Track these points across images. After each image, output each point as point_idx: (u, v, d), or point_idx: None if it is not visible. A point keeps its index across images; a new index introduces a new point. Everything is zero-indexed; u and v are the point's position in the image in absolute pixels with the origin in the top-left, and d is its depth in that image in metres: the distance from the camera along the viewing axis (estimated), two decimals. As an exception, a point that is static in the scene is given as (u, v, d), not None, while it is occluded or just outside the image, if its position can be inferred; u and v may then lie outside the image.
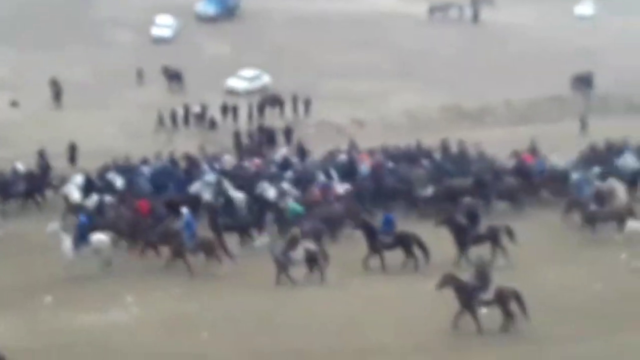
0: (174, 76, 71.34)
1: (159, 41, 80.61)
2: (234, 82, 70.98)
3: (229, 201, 39.04)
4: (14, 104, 67.06)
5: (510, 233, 33.44)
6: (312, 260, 31.87)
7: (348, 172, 44.06)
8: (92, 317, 28.55)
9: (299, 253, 31.89)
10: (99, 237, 33.07)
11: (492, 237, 33.26)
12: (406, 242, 33.29)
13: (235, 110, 64.20)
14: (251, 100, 65.81)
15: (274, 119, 64.13)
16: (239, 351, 25.86)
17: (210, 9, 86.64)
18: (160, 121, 62.36)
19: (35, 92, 67.96)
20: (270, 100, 66.27)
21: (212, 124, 63.01)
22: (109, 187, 41.96)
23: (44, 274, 33.01)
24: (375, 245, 33.36)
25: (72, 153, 52.52)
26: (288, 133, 60.20)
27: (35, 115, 64.03)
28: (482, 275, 26.80)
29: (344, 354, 25.65)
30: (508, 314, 26.56)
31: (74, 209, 38.91)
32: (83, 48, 76.97)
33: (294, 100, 65.54)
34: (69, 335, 27.00)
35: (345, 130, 62.74)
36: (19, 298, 30.55)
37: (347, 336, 26.65)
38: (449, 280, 26.78)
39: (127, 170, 44.47)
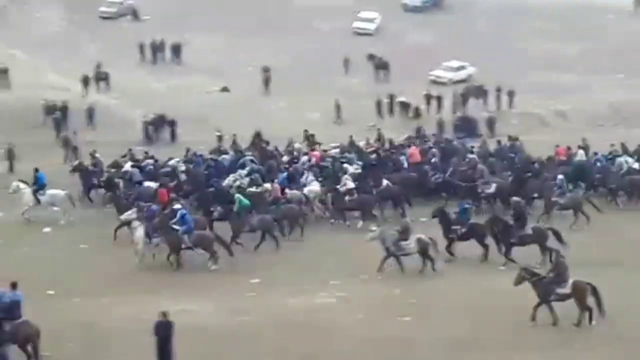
0: (380, 65, 72.31)
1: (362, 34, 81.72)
2: (440, 72, 71.51)
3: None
4: (225, 89, 69.54)
5: (557, 235, 33.13)
6: (424, 252, 32.15)
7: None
8: (298, 300, 29.36)
9: (411, 243, 32.25)
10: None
11: (539, 238, 33.13)
12: (480, 233, 33.50)
13: (439, 100, 64.60)
14: (455, 90, 66.01)
15: (477, 110, 64.21)
16: (440, 335, 26.26)
17: (417, 0, 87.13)
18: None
19: (243, 78, 70.44)
20: (474, 90, 66.32)
21: (417, 114, 63.51)
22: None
23: (250, 258, 34.40)
24: (450, 234, 33.88)
25: (256, 139, 53.47)
26: (491, 124, 60.30)
27: (244, 100, 66.24)
28: (560, 270, 26.82)
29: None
30: (584, 309, 26.40)
31: None
32: (288, 35, 78.88)
33: (498, 91, 65.37)
34: (277, 316, 27.77)
35: (548, 122, 62.38)
36: (227, 281, 31.85)
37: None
38: (527, 275, 26.94)
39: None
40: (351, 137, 50.56)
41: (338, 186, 40.18)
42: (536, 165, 44.33)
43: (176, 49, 75.13)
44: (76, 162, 45.21)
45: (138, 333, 24.82)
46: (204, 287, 30.73)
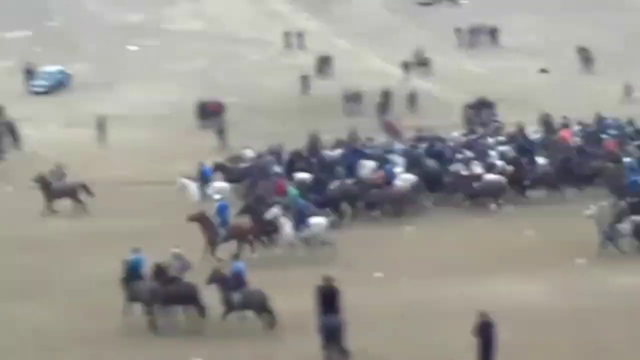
0: None
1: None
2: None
3: None
4: (543, 70, 69.48)
5: None
6: (638, 234, 30.89)
7: None
8: (626, 280, 28.77)
9: (626, 226, 31.15)
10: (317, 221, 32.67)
11: None
12: None
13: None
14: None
15: None
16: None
17: None
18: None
19: (562, 59, 70.10)
20: None
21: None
22: None
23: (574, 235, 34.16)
24: None
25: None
26: None
27: (563, 81, 65.98)
28: None
29: None
30: None
31: None
32: (608, 13, 77.51)
33: None
34: (601, 297, 27.37)
35: None
36: (552, 259, 31.51)
37: None
38: None
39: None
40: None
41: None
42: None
43: (494, 32, 75.74)
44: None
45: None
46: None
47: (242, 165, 42.49)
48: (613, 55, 68.83)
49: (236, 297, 25.46)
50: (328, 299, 23.13)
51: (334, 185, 38.23)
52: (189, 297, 25.86)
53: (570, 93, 61.95)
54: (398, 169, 39.77)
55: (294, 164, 41.64)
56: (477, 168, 39.34)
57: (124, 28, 74.41)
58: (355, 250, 32.58)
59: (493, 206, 38.04)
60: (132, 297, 26.33)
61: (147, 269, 26.51)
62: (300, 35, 73.23)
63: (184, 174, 40.60)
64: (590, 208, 32.06)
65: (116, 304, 26.47)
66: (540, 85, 65.25)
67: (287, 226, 32.28)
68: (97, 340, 25.17)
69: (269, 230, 33.02)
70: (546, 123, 50.11)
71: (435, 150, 42.48)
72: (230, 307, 25.46)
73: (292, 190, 36.19)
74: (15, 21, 74.61)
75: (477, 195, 38.53)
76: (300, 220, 32.49)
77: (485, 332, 21.40)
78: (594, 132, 46.54)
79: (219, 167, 42.01)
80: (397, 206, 37.60)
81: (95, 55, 69.76)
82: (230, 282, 25.62)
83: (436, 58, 69.42)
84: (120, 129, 55.85)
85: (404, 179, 38.63)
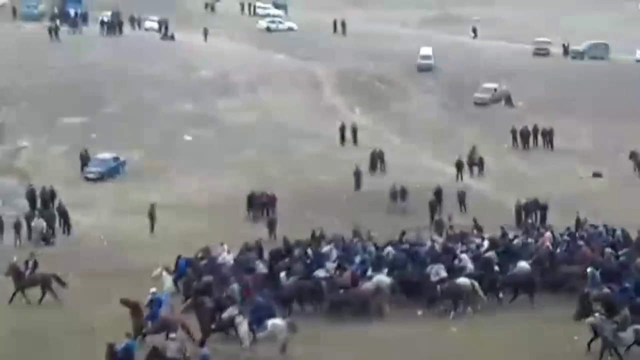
0: None
1: None
2: None
3: None
4: (597, 174, 68.93)
5: None
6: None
7: None
8: None
9: (629, 334, 30.64)
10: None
11: None
12: None
13: None
14: None
15: None
16: None
17: None
18: None
19: (615, 163, 69.59)
20: None
21: None
22: None
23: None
24: None
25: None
26: None
27: (616, 185, 65.40)
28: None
29: None
30: None
31: None
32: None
33: None
34: None
35: None
36: None
37: None
38: None
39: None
40: None
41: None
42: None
43: (547, 134, 75.49)
44: None
45: None
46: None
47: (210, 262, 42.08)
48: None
49: None
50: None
51: (289, 282, 38.66)
52: None
53: (624, 197, 61.27)
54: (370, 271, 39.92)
55: (275, 260, 41.91)
56: (442, 272, 39.22)
57: (179, 117, 75.12)
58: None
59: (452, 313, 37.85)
60: None
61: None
62: (354, 130, 73.40)
63: (164, 264, 40.39)
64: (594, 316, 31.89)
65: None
66: (593, 190, 64.63)
67: (243, 325, 32.11)
68: None
69: (223, 328, 33.32)
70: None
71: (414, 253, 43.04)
72: None
73: (234, 287, 36.40)
74: (72, 107, 75.63)
75: (440, 299, 38.42)
76: (256, 321, 32.28)
77: None
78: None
79: (188, 263, 41.74)
80: (362, 307, 37.60)
81: (150, 144, 70.32)
82: None
83: (490, 158, 69.20)
84: (171, 218, 56.01)
85: (379, 280, 38.66)
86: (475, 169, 68.47)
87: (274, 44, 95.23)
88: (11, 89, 79.36)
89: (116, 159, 67.70)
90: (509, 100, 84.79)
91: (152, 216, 55.46)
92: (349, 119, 75.90)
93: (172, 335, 30.30)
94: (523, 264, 40.65)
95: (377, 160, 67.76)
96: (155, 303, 33.55)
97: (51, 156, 69.12)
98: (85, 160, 66.98)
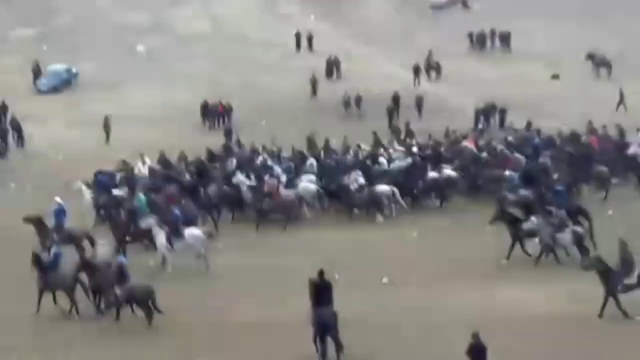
0: None
1: None
2: None
3: None
4: (555, 76, 68.82)
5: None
6: (579, 244, 30.72)
7: None
8: None
9: (566, 236, 30.96)
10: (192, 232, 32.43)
11: None
12: None
13: None
14: None
15: None
16: None
17: None
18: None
19: (574, 65, 69.37)
20: None
21: None
22: None
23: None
24: None
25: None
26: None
27: (574, 87, 65.27)
28: (626, 260, 25.76)
29: None
30: None
31: None
32: (624, 18, 76.72)
33: None
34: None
35: None
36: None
37: None
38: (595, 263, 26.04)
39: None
40: None
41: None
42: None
43: (505, 37, 75.09)
44: None
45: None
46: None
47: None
48: (630, 62, 67.89)
49: (119, 292, 26.28)
50: (321, 292, 23.61)
51: (211, 189, 38.83)
52: None
53: (583, 99, 61.19)
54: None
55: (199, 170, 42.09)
56: (360, 179, 39.63)
57: (132, 28, 73.75)
58: (356, 255, 32.20)
59: (379, 217, 38.21)
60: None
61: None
62: (310, 37, 72.54)
63: (84, 179, 40.07)
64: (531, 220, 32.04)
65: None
66: (552, 92, 64.50)
67: (160, 236, 32.00)
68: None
69: (140, 238, 33.69)
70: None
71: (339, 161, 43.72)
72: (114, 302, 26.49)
73: (140, 198, 36.32)
74: (22, 18, 74.12)
75: (360, 206, 39.03)
76: (174, 231, 32.19)
77: (475, 355, 20.96)
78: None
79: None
80: (285, 214, 38.15)
81: (102, 55, 69.13)
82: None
83: (447, 62, 68.71)
84: (126, 129, 55.36)
85: (304, 188, 39.60)
86: (433, 73, 68.09)
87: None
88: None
89: (68, 70, 66.62)
90: (465, 3, 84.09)
91: (107, 128, 54.82)
92: (304, 25, 74.90)
93: (101, 241, 31.52)
94: (447, 170, 40.96)
95: (333, 66, 67.08)
96: (58, 214, 33.59)
97: (2, 69, 67.77)
98: (37, 73, 65.85)
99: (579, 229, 31.44)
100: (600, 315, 25.70)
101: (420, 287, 29.10)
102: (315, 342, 23.42)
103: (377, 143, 47.61)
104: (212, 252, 32.51)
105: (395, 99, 59.35)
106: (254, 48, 71.11)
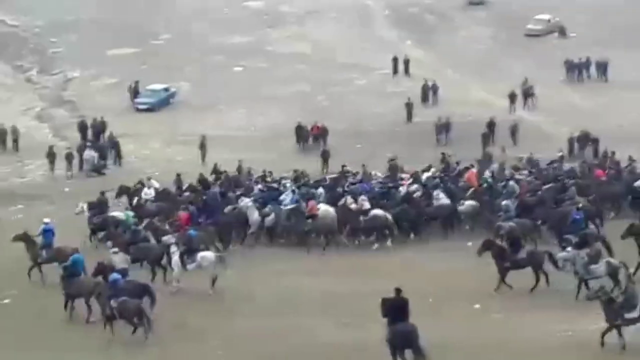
0: None
1: None
2: None
3: None
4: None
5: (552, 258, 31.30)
6: (614, 275, 29.81)
7: None
8: None
9: (600, 267, 30.25)
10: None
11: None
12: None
13: None
14: None
15: None
16: None
17: None
18: None
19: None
20: None
21: None
22: None
23: None
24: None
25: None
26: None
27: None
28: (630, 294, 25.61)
29: None
30: None
31: None
32: None
33: None
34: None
35: None
36: None
37: None
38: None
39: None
40: None
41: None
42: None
43: (602, 66, 74.24)
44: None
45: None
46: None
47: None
48: None
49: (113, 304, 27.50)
50: (398, 310, 23.92)
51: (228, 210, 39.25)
52: None
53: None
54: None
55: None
56: (365, 203, 39.31)
57: (229, 49, 74.73)
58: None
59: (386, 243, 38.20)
60: None
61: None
62: (406, 62, 72.71)
63: (87, 201, 40.37)
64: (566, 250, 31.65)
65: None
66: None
67: (175, 256, 32.49)
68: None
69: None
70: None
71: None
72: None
73: (129, 215, 37.63)
74: (121, 38, 75.56)
75: (362, 230, 38.89)
76: (187, 252, 32.78)
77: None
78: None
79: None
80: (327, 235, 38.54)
81: (199, 75, 70.10)
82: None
83: (542, 90, 68.19)
84: (221, 150, 55.96)
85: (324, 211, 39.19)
86: (529, 101, 67.62)
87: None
88: (61, 21, 79.48)
89: (166, 90, 67.68)
90: (562, 32, 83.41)
91: (202, 147, 55.48)
92: (400, 51, 75.05)
93: (114, 249, 32.67)
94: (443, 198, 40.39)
95: (428, 92, 67.15)
96: (48, 233, 34.42)
97: (101, 87, 69.18)
98: (135, 91, 67.05)
99: (613, 260, 30.89)
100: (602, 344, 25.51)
101: (508, 312, 28.98)
102: (394, 357, 23.56)
103: (446, 165, 47.64)
104: (271, 275, 33.20)
105: (491, 125, 59.01)
106: (351, 71, 71.47)
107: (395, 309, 23.77)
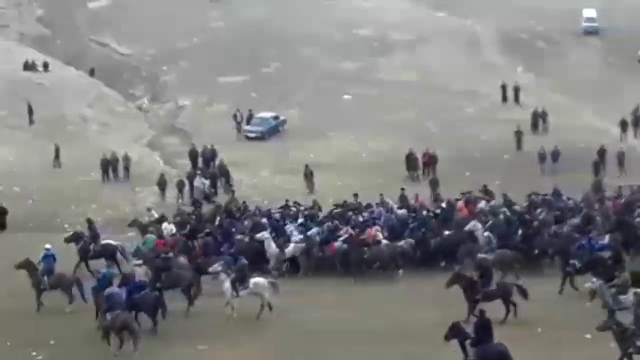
0: None
1: None
2: None
3: None
4: None
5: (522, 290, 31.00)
6: None
7: None
8: None
9: (629, 297, 28.82)
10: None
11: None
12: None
13: None
14: None
15: None
16: None
17: None
18: None
19: None
20: None
21: None
22: None
23: None
24: None
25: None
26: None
27: None
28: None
29: None
30: None
31: None
32: None
33: None
34: None
35: None
36: None
37: None
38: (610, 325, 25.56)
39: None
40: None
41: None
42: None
43: None
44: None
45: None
46: None
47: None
48: None
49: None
50: (483, 331, 24.81)
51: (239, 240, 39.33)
52: None
53: None
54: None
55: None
56: (379, 234, 39.07)
57: (339, 76, 75.02)
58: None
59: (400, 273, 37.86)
60: None
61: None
62: (516, 89, 72.06)
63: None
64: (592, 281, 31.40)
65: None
66: None
67: (226, 283, 32.75)
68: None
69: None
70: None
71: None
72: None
73: (149, 238, 38.43)
74: (231, 66, 76.47)
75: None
76: (240, 279, 32.78)
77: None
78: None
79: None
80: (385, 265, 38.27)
81: (309, 103, 70.49)
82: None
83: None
84: (330, 176, 56.06)
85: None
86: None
87: (433, 1, 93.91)
88: (172, 49, 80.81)
89: (276, 117, 68.18)
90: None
91: (307, 176, 55.59)
92: (509, 77, 74.39)
93: (138, 262, 34.27)
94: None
95: (538, 119, 66.34)
96: (49, 259, 34.84)
97: (211, 115, 70.01)
98: (247, 119, 67.71)
99: None
100: None
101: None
102: None
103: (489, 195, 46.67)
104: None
105: (601, 153, 57.96)
106: (460, 98, 71.10)
107: (481, 330, 24.64)
